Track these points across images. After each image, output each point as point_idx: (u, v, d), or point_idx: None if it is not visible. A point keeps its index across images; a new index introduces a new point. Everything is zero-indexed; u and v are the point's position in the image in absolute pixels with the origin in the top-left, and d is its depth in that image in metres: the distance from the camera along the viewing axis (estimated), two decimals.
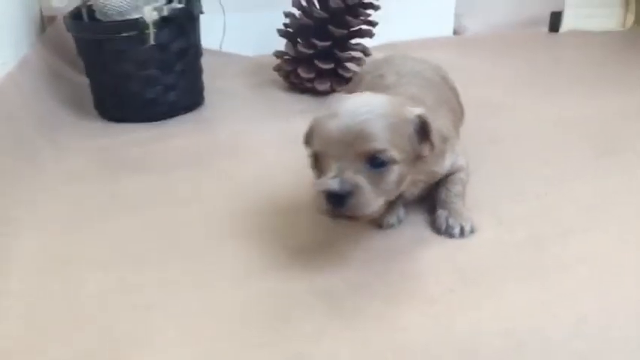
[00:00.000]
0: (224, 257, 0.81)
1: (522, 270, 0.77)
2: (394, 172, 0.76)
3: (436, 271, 0.77)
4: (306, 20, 1.34)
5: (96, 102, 1.30)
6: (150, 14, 1.16)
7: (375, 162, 0.74)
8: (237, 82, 1.48)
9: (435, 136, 0.79)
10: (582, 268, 0.76)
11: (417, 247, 0.83)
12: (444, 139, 0.87)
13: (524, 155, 1.08)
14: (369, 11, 1.36)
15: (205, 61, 1.45)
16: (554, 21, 1.85)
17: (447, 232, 0.85)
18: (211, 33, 1.48)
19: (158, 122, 1.26)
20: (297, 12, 1.39)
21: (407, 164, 0.78)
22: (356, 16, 1.34)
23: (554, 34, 1.86)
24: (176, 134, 1.21)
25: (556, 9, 1.84)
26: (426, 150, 0.80)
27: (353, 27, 1.35)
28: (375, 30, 1.41)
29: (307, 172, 1.02)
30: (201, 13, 1.30)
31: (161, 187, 1.00)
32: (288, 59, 1.38)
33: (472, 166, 0.95)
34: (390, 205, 0.87)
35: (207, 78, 1.42)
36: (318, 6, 1.33)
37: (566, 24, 1.86)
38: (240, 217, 0.91)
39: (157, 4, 1.20)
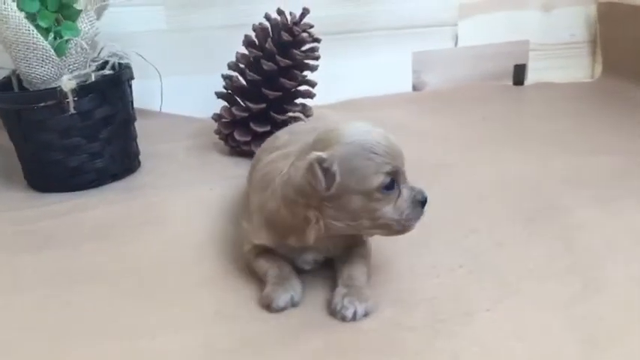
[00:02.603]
0: (118, 342, 0.76)
1: (405, 357, 0.70)
2: None
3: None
4: (240, 83, 1.31)
5: (24, 172, 1.27)
6: (67, 83, 1.14)
7: None
8: (177, 146, 1.44)
9: None
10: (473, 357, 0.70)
11: (303, 332, 0.76)
12: None
13: (451, 221, 1.01)
14: (306, 72, 1.33)
15: (147, 125, 1.44)
16: (518, 74, 1.80)
17: (340, 314, 0.78)
18: (155, 96, 1.47)
19: (86, 191, 1.23)
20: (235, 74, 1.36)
21: None
22: (290, 78, 1.30)
23: (518, 88, 1.81)
24: (97, 204, 1.16)
25: (520, 61, 1.79)
26: None
27: (289, 89, 1.31)
28: (333, 87, 1.44)
29: (228, 240, 0.98)
30: (132, 79, 1.28)
31: (63, 264, 0.96)
32: (226, 122, 1.35)
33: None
34: (286, 282, 0.82)
35: (147, 142, 1.39)
36: (248, 69, 1.30)
37: (532, 76, 1.81)
38: (143, 295, 0.86)
39: (77, 73, 1.18)
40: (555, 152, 1.27)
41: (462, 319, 0.77)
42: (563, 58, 1.80)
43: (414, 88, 1.77)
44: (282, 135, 1.03)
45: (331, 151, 0.76)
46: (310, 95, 1.36)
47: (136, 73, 1.35)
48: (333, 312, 0.79)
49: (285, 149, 0.94)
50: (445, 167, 1.22)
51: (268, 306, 0.80)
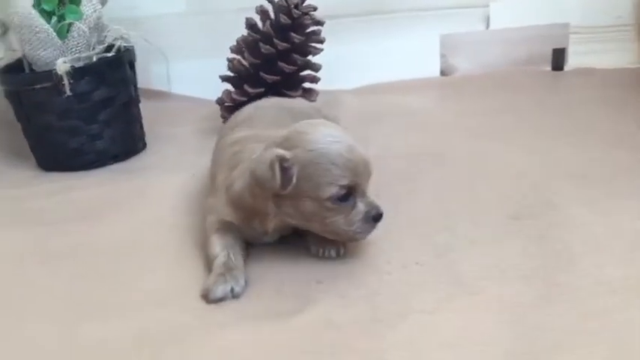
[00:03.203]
0: (54, 324, 0.77)
1: (321, 357, 0.67)
2: None
3: (238, 354, 0.69)
4: (239, 67, 1.29)
5: (32, 151, 1.31)
6: (62, 65, 1.16)
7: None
8: (186, 129, 1.44)
9: None
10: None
11: (230, 326, 0.74)
12: None
13: (430, 215, 0.96)
14: (309, 57, 1.29)
15: (159, 107, 1.46)
16: (557, 58, 1.67)
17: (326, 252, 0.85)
18: (171, 78, 1.48)
19: (86, 171, 1.25)
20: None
21: None
22: (290, 62, 1.27)
23: (557, 73, 1.68)
24: (91, 185, 1.19)
25: (559, 45, 1.67)
26: None
27: (288, 73, 1.28)
28: (355, 72, 1.49)
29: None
30: (134, 61, 1.29)
31: (38, 242, 0.98)
32: (228, 106, 1.34)
33: None
34: (228, 274, 0.80)
35: (157, 124, 1.42)
36: (248, 52, 1.28)
37: (573, 61, 1.68)
38: (100, 277, 0.87)
39: (77, 55, 1.20)
40: (565, 145, 1.17)
41: (396, 320, 0.72)
42: (607, 42, 1.66)
43: (442, 73, 1.69)
44: (245, 109, 1.04)
45: (294, 153, 0.78)
46: (314, 80, 1.33)
47: (151, 57, 1.37)
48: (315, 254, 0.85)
49: (250, 123, 0.96)
50: (442, 158, 1.16)
51: (206, 296, 0.79)
